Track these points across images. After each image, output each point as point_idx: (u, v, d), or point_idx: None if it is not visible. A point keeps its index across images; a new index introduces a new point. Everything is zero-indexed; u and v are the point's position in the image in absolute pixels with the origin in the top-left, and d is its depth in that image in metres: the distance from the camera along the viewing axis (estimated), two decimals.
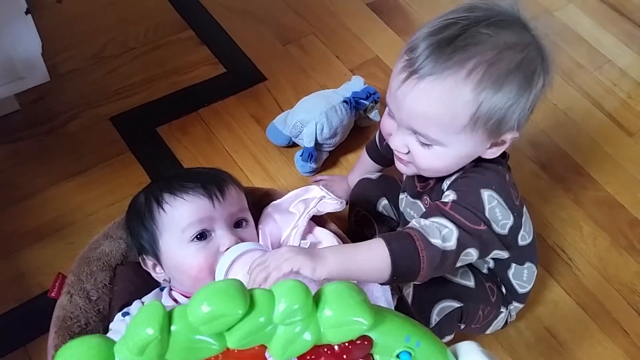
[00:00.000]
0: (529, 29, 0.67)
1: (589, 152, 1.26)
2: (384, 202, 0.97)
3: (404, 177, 0.87)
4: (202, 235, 0.69)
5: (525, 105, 0.66)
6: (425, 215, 0.68)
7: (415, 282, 0.75)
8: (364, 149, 1.02)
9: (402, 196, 0.87)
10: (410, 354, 0.43)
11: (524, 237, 0.81)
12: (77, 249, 0.93)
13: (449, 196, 0.70)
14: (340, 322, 0.40)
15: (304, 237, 0.76)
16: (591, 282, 1.05)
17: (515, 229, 0.74)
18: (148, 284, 0.77)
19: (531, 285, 0.87)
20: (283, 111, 1.17)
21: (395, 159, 0.77)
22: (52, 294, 0.69)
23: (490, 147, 0.71)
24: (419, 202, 0.82)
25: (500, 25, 0.65)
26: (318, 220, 0.80)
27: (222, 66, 1.27)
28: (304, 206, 0.78)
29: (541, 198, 1.16)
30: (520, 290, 0.86)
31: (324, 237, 0.76)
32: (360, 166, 1.04)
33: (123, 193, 1.03)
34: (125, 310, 0.70)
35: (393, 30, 1.40)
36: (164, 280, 0.75)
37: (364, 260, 0.62)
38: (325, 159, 1.12)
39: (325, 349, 0.41)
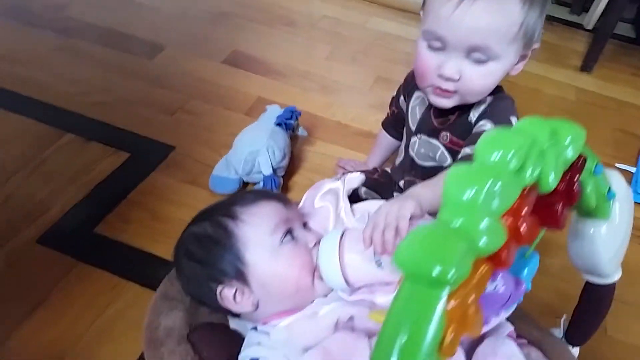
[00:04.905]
0: None
1: None
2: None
3: (416, 119, 0.88)
4: (291, 234, 0.66)
5: (544, 16, 0.74)
6: (472, 143, 0.72)
7: None
8: (380, 130, 1.05)
9: (414, 139, 0.88)
10: (601, 165, 0.48)
11: None
12: None
13: (486, 125, 0.75)
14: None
15: (353, 214, 0.76)
16: None
17: None
18: (230, 338, 0.68)
19: None
20: (210, 167, 1.14)
21: (433, 96, 0.78)
22: None
23: (517, 63, 0.76)
24: (435, 140, 0.84)
25: None
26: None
27: (123, 152, 1.19)
28: (332, 193, 0.78)
29: None
30: None
31: (372, 206, 0.77)
32: (379, 147, 1.07)
33: (102, 302, 0.89)
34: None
35: (258, 74, 1.48)
36: (252, 304, 0.65)
37: None
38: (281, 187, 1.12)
39: None
